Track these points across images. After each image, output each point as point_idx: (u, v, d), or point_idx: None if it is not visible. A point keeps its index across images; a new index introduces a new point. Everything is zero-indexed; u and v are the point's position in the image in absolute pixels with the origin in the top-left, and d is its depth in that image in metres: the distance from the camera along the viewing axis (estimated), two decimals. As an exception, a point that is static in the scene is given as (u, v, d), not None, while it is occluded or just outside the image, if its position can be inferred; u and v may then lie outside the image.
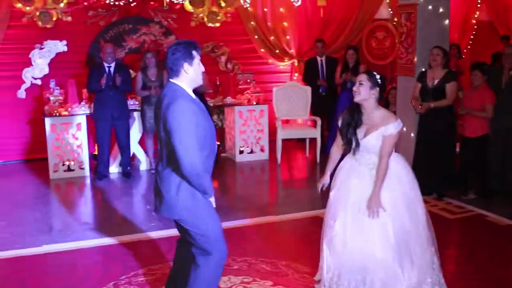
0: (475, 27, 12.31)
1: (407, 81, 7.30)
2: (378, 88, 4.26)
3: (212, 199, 3.76)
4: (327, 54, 10.13)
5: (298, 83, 10.02)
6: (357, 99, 4.27)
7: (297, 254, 5.32)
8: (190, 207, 3.66)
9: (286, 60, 10.87)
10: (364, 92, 4.23)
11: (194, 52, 3.67)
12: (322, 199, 4.87)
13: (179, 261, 4.08)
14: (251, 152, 9.42)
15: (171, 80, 3.69)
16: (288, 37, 10.71)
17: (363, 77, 4.26)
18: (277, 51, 10.70)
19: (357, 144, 4.29)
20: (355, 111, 4.35)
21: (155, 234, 5.91)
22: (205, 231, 3.70)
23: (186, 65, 3.64)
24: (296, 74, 10.90)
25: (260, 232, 6.06)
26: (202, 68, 3.75)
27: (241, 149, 9.36)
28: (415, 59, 7.17)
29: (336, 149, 4.53)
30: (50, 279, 4.90)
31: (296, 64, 10.91)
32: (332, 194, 4.44)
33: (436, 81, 6.79)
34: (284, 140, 9.28)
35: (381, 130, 4.20)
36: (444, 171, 6.95)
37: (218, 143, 9.49)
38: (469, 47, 12.32)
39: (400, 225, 4.15)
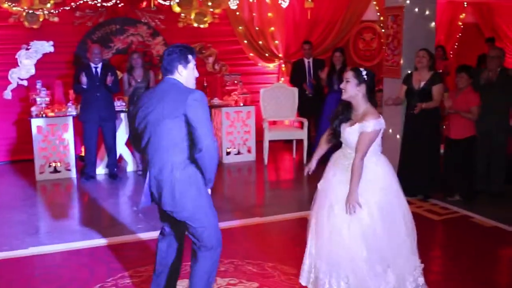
0: (461, 28, 12.41)
1: (393, 83, 7.35)
2: (364, 84, 4.28)
3: (209, 190, 3.89)
4: (314, 56, 10.17)
5: (285, 84, 10.05)
6: (344, 96, 4.30)
7: (283, 256, 5.35)
8: (197, 200, 3.77)
9: (275, 61, 10.89)
10: (351, 89, 4.25)
11: (189, 56, 3.78)
12: (308, 202, 4.88)
13: (163, 258, 4.17)
14: (238, 153, 9.45)
15: (166, 76, 3.78)
16: (277, 42, 10.74)
17: (349, 74, 4.28)
18: (266, 54, 10.73)
19: (338, 135, 4.35)
20: (347, 106, 4.38)
21: (142, 236, 5.92)
22: (207, 224, 3.83)
23: (180, 67, 3.74)
24: (282, 78, 10.92)
25: (247, 233, 6.08)
26: (196, 74, 3.86)
27: (228, 150, 9.37)
28: (401, 61, 7.21)
29: (325, 138, 4.55)
30: (36, 281, 4.89)
31: (283, 66, 10.93)
32: (319, 184, 4.48)
33: (422, 83, 6.84)
34: (271, 142, 9.31)
35: (358, 126, 4.21)
36: (429, 173, 7.01)
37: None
38: (455, 47, 12.43)
39: (372, 232, 4.13)
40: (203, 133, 3.63)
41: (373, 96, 4.38)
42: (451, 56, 12.01)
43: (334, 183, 4.32)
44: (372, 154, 4.26)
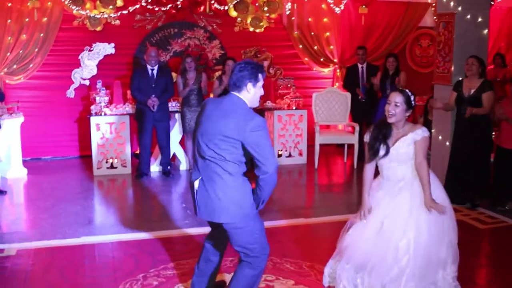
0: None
1: (443, 90, 7.30)
2: (411, 110, 4.39)
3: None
4: (369, 61, 10.19)
5: (338, 89, 10.10)
6: (391, 120, 4.37)
7: (322, 256, 5.37)
8: (249, 216, 3.89)
9: (330, 66, 10.95)
10: (399, 114, 4.35)
11: (260, 76, 3.86)
12: (356, 205, 4.99)
13: (206, 256, 4.34)
14: (289, 156, 9.57)
15: (232, 92, 3.86)
16: (332, 47, 10.80)
17: (399, 99, 4.33)
18: (321, 59, 10.81)
19: (387, 151, 4.39)
20: (384, 125, 4.46)
21: (188, 231, 6.14)
22: (256, 239, 3.95)
23: (249, 85, 3.83)
24: (336, 84, 10.95)
25: (290, 233, 6.20)
26: (262, 92, 3.94)
27: (280, 152, 9.51)
28: (452, 68, 7.16)
29: (369, 166, 4.57)
30: (85, 268, 5.18)
31: (338, 71, 10.97)
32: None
33: (472, 91, 6.78)
34: (323, 146, 9.39)
35: (411, 135, 4.34)
36: (478, 181, 6.93)
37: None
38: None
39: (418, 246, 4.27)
40: (264, 158, 3.73)
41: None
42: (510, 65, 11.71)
43: (378, 201, 4.48)
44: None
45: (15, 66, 9.21)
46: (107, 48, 9.07)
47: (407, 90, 4.42)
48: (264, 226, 4.05)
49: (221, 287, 4.60)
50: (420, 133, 4.35)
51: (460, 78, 7.02)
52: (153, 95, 8.20)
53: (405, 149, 4.36)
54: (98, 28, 9.55)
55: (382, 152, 4.42)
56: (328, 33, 10.71)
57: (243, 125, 3.70)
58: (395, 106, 4.32)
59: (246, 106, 3.84)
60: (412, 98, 4.38)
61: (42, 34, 9.23)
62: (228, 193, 3.82)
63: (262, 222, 4.04)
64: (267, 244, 4.03)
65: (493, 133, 7.27)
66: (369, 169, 4.56)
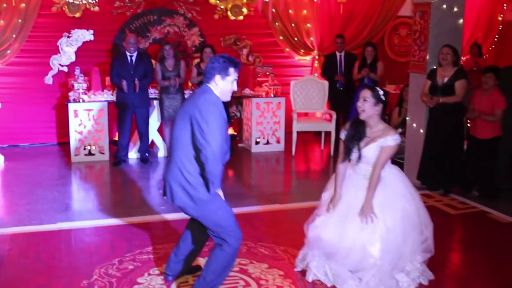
0: (500, 27, 12.24)
1: (419, 78, 7.40)
2: (381, 104, 4.47)
3: (220, 192, 4.08)
4: (348, 50, 10.27)
5: (316, 77, 10.18)
6: (362, 116, 4.48)
7: (296, 241, 5.46)
8: (204, 200, 3.97)
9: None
10: (369, 109, 4.45)
11: (231, 69, 3.96)
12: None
13: (186, 238, 4.47)
14: (267, 143, 9.65)
15: (205, 83, 4.00)
16: (312, 38, 10.85)
17: (367, 94, 4.45)
18: (302, 51, 10.88)
19: (359, 155, 4.52)
20: (359, 124, 4.56)
21: (165, 216, 6.20)
22: (218, 222, 4.03)
23: (218, 77, 3.94)
24: (315, 74, 11.02)
25: (266, 219, 6.30)
26: (235, 88, 4.04)
27: (257, 140, 9.59)
28: (427, 57, 7.27)
29: (342, 165, 4.65)
30: (61, 253, 5.22)
31: (316, 61, 11.03)
32: (324, 195, 4.79)
33: (445, 79, 6.89)
34: (301, 133, 9.49)
35: (380, 141, 4.44)
36: (451, 168, 7.06)
37: (235, 133, 9.74)
38: (493, 46, 12.28)
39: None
40: (206, 136, 3.77)
41: (384, 113, 4.60)
42: (488, 54, 11.87)
43: (345, 195, 4.60)
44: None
45: (-10, 53, 9.18)
46: (86, 35, 9.01)
47: (376, 87, 4.55)
48: (229, 209, 4.13)
49: (196, 270, 4.67)
50: (388, 140, 4.41)
51: (434, 67, 7.13)
52: (136, 79, 8.24)
53: (373, 153, 4.47)
54: (77, 15, 9.51)
55: (355, 156, 4.54)
56: (309, 25, 10.76)
57: (197, 101, 3.87)
58: (364, 101, 4.43)
59: (212, 93, 3.94)
60: (381, 93, 4.47)
61: (20, 20, 9.17)
62: (179, 177, 3.96)
63: (225, 204, 4.11)
64: (236, 226, 4.10)
65: (468, 122, 7.41)
66: (342, 167, 4.65)
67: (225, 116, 3.94)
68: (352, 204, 4.49)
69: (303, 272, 4.75)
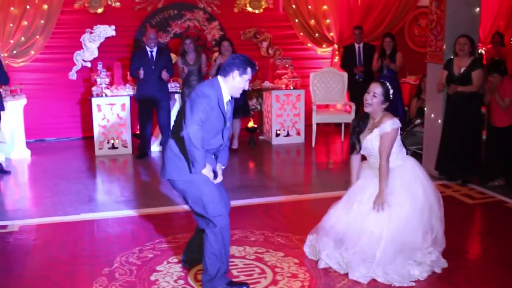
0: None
1: (436, 69, 7.40)
2: (388, 103, 4.53)
3: (210, 174, 4.22)
4: (367, 41, 10.29)
5: (335, 69, 10.23)
6: (368, 110, 4.56)
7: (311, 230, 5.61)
8: (189, 175, 4.18)
9: (324, 46, 11.06)
10: (376, 105, 4.51)
11: (249, 69, 4.18)
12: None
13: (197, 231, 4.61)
14: (287, 135, 9.74)
15: (218, 76, 4.22)
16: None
17: (378, 90, 4.49)
18: (316, 34, 10.90)
19: (360, 147, 4.63)
20: (364, 116, 4.66)
21: (185, 207, 6.32)
22: (200, 197, 4.18)
23: (236, 72, 4.15)
24: (336, 59, 11.08)
25: (284, 209, 6.40)
26: (246, 87, 4.25)
27: (278, 132, 9.68)
28: (444, 47, 7.27)
29: (354, 157, 4.78)
30: (84, 243, 5.40)
31: (336, 53, 11.07)
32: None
33: (462, 69, 6.89)
34: (321, 125, 9.56)
35: (377, 130, 4.50)
36: (469, 158, 7.07)
37: (256, 125, 9.84)
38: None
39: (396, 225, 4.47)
40: (187, 118, 4.02)
41: (403, 105, 4.69)
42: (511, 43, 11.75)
43: (357, 187, 4.71)
44: (396, 155, 4.58)
45: (14, 52, 9.40)
46: (108, 31, 9.21)
47: (387, 84, 4.58)
48: (213, 186, 4.24)
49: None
50: (385, 127, 4.45)
51: (451, 57, 7.13)
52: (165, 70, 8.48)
53: (373, 143, 4.53)
54: (99, 11, 9.72)
55: (358, 148, 4.66)
56: (328, 21, 10.80)
57: (200, 87, 4.16)
58: (373, 97, 4.49)
59: (214, 87, 4.14)
60: (391, 91, 4.53)
61: (42, 21, 9.39)
62: (173, 147, 4.25)
63: (209, 181, 4.22)
64: (218, 203, 4.21)
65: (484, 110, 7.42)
66: (354, 159, 4.77)
67: (221, 112, 4.13)
68: (361, 193, 4.58)
69: (318, 261, 4.84)
